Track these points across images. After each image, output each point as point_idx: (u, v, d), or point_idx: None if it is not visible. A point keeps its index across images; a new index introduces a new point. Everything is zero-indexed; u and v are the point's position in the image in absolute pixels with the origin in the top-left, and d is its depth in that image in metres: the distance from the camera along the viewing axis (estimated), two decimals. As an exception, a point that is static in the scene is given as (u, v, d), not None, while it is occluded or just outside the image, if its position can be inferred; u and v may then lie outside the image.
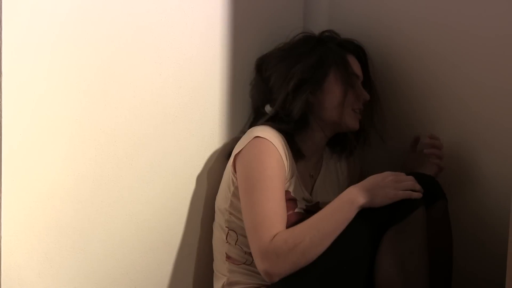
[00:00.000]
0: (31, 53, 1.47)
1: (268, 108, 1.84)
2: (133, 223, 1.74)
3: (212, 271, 1.88)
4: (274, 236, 1.58)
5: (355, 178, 1.99)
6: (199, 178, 1.87)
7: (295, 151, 1.80)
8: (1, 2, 1.40)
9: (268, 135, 1.71)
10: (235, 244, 1.77)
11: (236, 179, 1.73)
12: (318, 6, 2.12)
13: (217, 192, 1.85)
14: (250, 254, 1.69)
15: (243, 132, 1.84)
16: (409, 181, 1.60)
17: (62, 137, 1.56)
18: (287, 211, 1.71)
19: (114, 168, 1.68)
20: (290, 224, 1.69)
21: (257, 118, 1.92)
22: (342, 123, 1.82)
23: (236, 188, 1.73)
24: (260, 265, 1.60)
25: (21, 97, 1.47)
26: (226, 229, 1.79)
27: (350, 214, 1.56)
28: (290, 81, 1.80)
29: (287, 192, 1.74)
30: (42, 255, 1.56)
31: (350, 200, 1.58)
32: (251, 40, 1.96)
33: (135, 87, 1.69)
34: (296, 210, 1.75)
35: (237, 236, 1.77)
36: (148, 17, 1.69)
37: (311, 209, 1.78)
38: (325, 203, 1.65)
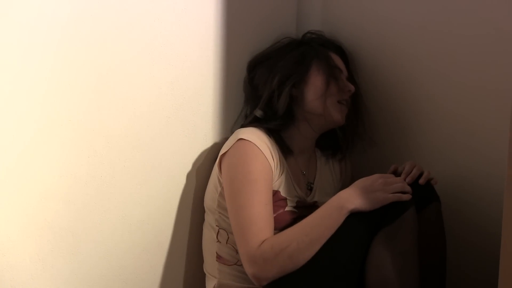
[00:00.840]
0: (24, 55, 1.47)
1: (259, 112, 1.84)
2: (127, 224, 1.74)
3: (204, 273, 1.87)
4: (262, 242, 1.59)
5: (347, 180, 1.99)
6: (192, 179, 1.87)
7: (284, 147, 1.80)
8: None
9: (253, 137, 1.71)
10: (226, 243, 1.77)
11: (223, 180, 1.74)
12: (311, 9, 2.12)
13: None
14: (241, 253, 1.70)
15: (232, 132, 1.84)
16: (398, 183, 1.60)
17: (56, 138, 1.56)
18: (278, 210, 1.72)
19: (108, 169, 1.68)
20: (284, 222, 1.70)
21: (247, 117, 1.93)
22: (326, 114, 1.81)
23: (223, 188, 1.74)
24: (248, 269, 1.60)
25: (14, 99, 1.47)
26: (217, 227, 1.79)
27: (339, 219, 1.56)
28: (274, 78, 1.82)
29: (276, 192, 1.74)
30: (35, 257, 1.56)
31: (339, 205, 1.57)
32: (245, 42, 1.96)
33: (128, 88, 1.69)
34: (286, 209, 1.75)
35: (227, 235, 1.77)
36: (142, 18, 1.69)
37: (302, 206, 1.79)
38: (323, 202, 1.65)
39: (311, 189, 1.88)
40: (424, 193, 1.67)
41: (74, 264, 1.64)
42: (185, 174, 1.86)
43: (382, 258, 1.55)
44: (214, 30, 1.86)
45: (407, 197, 1.57)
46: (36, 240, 1.56)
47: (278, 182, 1.75)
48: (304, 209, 1.78)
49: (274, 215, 1.69)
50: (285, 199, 1.76)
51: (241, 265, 1.72)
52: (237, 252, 1.74)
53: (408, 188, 1.60)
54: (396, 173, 1.72)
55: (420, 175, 1.69)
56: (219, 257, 1.79)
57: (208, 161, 1.90)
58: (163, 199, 1.81)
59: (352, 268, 1.57)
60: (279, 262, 1.55)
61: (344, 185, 1.87)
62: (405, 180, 1.66)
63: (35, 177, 1.54)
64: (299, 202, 1.79)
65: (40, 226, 1.56)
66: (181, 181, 1.85)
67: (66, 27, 1.54)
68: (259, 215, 1.62)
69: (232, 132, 1.82)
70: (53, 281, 1.61)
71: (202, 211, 1.87)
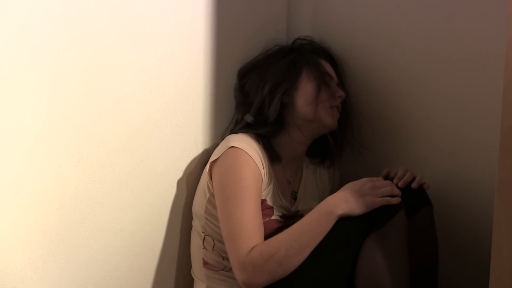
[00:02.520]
0: (12, 57, 1.47)
1: (249, 118, 1.84)
2: (116, 228, 1.73)
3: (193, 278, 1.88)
4: (252, 249, 1.59)
5: (336, 186, 1.99)
6: (182, 184, 1.87)
7: (273, 155, 1.80)
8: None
9: (244, 144, 1.71)
10: (212, 250, 1.77)
11: (212, 187, 1.74)
12: (301, 15, 2.13)
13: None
14: (228, 260, 1.69)
15: (222, 138, 1.84)
16: (387, 187, 1.60)
17: (45, 142, 1.55)
18: (264, 218, 1.71)
19: (97, 173, 1.67)
20: (270, 230, 1.70)
21: (237, 123, 1.93)
22: (317, 120, 1.82)
23: (212, 195, 1.74)
24: (238, 276, 1.60)
25: (2, 102, 1.47)
26: (203, 234, 1.79)
27: (328, 225, 1.56)
28: (265, 86, 1.83)
29: (263, 201, 1.74)
30: (25, 261, 1.55)
31: (328, 211, 1.57)
32: (235, 47, 1.97)
33: (118, 92, 1.68)
34: (272, 218, 1.75)
35: (213, 241, 1.77)
36: (132, 22, 1.69)
37: (289, 215, 1.80)
38: (306, 210, 1.66)
39: (295, 198, 1.89)
40: (416, 198, 1.68)
41: (65, 268, 1.64)
42: (176, 179, 1.86)
43: (372, 262, 1.55)
44: (205, 35, 1.87)
45: (396, 200, 1.57)
46: (27, 244, 1.55)
47: (266, 192, 1.75)
48: (288, 219, 1.78)
49: (261, 222, 1.69)
50: (271, 207, 1.76)
51: (228, 270, 1.73)
52: (223, 258, 1.75)
53: (397, 191, 1.60)
54: (389, 178, 1.73)
55: (413, 179, 1.70)
56: (205, 263, 1.79)
57: (198, 166, 1.90)
58: (153, 203, 1.81)
59: (342, 272, 1.57)
60: (268, 269, 1.55)
61: (332, 191, 1.87)
62: (398, 184, 1.67)
63: (25, 181, 1.53)
64: (284, 212, 1.79)
65: (30, 230, 1.55)
66: (171, 186, 1.85)
67: (56, 31, 1.53)
68: (249, 222, 1.62)
69: (222, 138, 1.82)
70: (44, 286, 1.60)
71: (191, 216, 1.87)
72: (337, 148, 1.95)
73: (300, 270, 1.55)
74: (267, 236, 1.64)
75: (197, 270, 1.83)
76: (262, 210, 1.71)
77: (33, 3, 1.48)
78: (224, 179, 1.69)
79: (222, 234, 1.67)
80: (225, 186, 1.68)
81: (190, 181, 1.89)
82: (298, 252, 1.55)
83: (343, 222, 1.56)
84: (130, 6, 1.68)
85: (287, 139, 1.85)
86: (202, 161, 1.90)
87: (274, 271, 1.55)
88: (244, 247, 1.59)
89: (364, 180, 1.63)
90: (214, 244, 1.77)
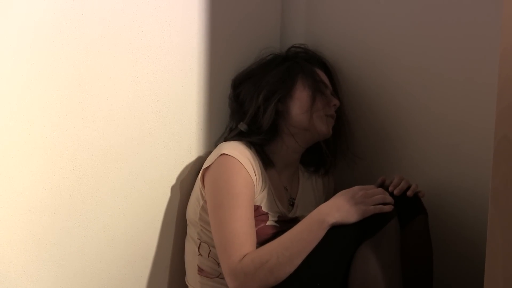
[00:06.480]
0: (6, 65, 1.46)
1: (243, 126, 1.85)
2: (110, 236, 1.73)
3: (187, 286, 1.87)
4: (244, 256, 1.59)
5: (330, 194, 1.98)
6: (176, 192, 1.87)
7: (266, 161, 1.81)
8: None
9: (235, 152, 1.71)
10: (208, 256, 1.77)
11: (205, 194, 1.74)
12: (294, 22, 2.14)
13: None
14: (224, 266, 1.69)
15: (216, 145, 1.84)
16: (380, 195, 1.60)
17: (39, 150, 1.55)
18: (259, 224, 1.72)
19: (91, 181, 1.67)
20: (266, 236, 1.70)
21: (231, 131, 1.93)
22: (312, 128, 1.82)
23: (205, 202, 1.74)
24: (230, 283, 1.59)
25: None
26: (198, 241, 1.79)
27: (320, 233, 1.56)
28: (259, 94, 1.83)
29: (258, 207, 1.74)
30: (20, 269, 1.55)
31: (320, 220, 1.57)
32: (229, 54, 1.97)
33: (112, 100, 1.68)
34: (267, 224, 1.75)
35: (209, 248, 1.77)
36: (125, 30, 1.69)
37: (285, 220, 1.79)
38: (304, 217, 1.66)
39: (293, 205, 1.89)
40: (411, 206, 1.68)
41: (59, 276, 1.63)
42: (169, 187, 1.86)
43: (365, 270, 1.55)
44: (198, 42, 1.87)
45: (388, 208, 1.57)
46: (21, 252, 1.55)
47: (260, 198, 1.75)
48: (285, 224, 1.78)
49: (256, 229, 1.69)
50: (266, 214, 1.76)
51: (223, 278, 1.72)
52: (219, 265, 1.74)
53: (390, 199, 1.60)
54: (384, 186, 1.73)
55: (408, 187, 1.71)
56: (200, 270, 1.79)
57: (192, 174, 1.90)
58: (147, 211, 1.81)
59: (335, 281, 1.57)
60: (259, 276, 1.55)
61: (327, 199, 1.87)
62: (393, 192, 1.68)
63: (20, 189, 1.53)
64: (280, 217, 1.79)
65: (25, 238, 1.55)
66: (165, 194, 1.85)
67: (49, 39, 1.53)
68: (241, 230, 1.62)
69: (216, 145, 1.82)
70: (38, 294, 1.60)
71: (186, 223, 1.87)
72: (331, 156, 1.95)
73: (292, 278, 1.55)
74: (263, 242, 1.64)
75: (191, 277, 1.83)
76: (256, 216, 1.71)
77: (29, 12, 1.48)
78: (216, 186, 1.69)
79: (214, 241, 1.67)
80: (216, 193, 1.68)
81: (184, 188, 1.89)
82: (290, 260, 1.54)
83: (336, 230, 1.56)
84: (123, 13, 1.68)
85: (281, 146, 1.85)
86: (195, 168, 1.90)
87: (265, 279, 1.55)
88: (235, 254, 1.59)
89: (356, 188, 1.63)
90: (209, 251, 1.77)
